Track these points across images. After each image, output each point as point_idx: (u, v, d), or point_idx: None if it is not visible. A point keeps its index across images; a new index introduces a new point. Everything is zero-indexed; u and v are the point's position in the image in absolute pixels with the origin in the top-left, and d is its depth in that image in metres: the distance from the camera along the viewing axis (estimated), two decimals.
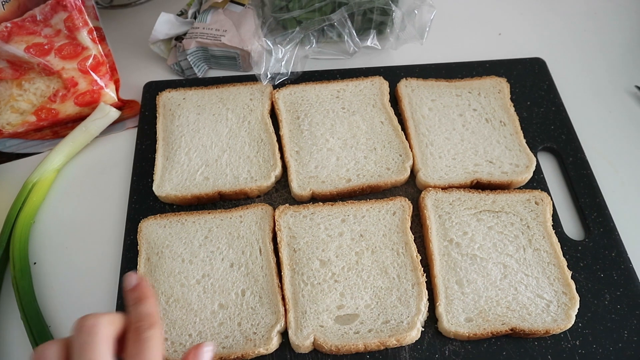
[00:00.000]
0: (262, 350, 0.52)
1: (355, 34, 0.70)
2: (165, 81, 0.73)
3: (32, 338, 0.55)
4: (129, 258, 0.59)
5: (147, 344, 0.40)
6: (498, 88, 0.70)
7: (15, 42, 0.64)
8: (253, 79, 0.72)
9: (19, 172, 0.67)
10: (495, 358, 0.54)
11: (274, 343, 0.52)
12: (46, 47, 0.65)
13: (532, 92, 0.72)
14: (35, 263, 0.61)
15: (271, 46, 0.68)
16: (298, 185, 0.61)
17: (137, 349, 0.40)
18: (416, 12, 0.66)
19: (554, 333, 0.54)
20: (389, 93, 0.70)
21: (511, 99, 0.70)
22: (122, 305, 0.56)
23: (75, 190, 0.66)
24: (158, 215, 0.60)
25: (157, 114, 0.68)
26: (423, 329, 0.54)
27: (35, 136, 0.71)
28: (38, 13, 0.65)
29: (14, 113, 0.68)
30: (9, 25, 0.64)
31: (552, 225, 0.60)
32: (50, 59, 0.65)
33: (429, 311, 0.55)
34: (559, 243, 0.59)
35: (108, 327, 0.40)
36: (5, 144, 0.70)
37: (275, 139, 0.65)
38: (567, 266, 0.57)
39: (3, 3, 0.63)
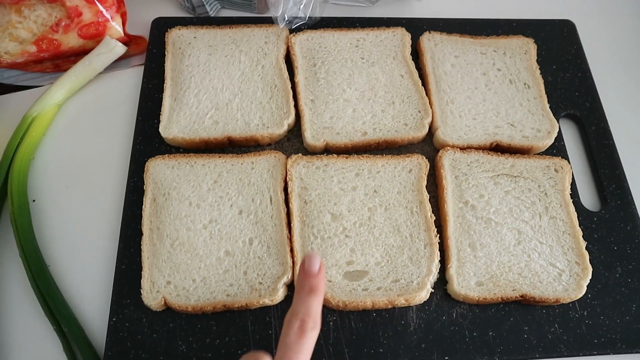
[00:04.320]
0: (267, 301, 0.51)
1: None
2: (175, 18, 0.69)
3: (30, 276, 0.53)
4: (133, 200, 0.57)
5: (306, 344, 0.40)
6: (525, 49, 0.67)
7: None
8: (268, 21, 0.68)
9: (18, 105, 0.64)
10: (503, 323, 0.53)
11: (280, 294, 0.51)
12: None
13: (559, 55, 0.69)
14: (34, 200, 0.58)
15: None
16: (312, 136, 0.59)
17: (295, 345, 0.40)
18: None
19: (563, 302, 0.53)
20: (411, 46, 0.66)
21: (537, 61, 0.67)
22: (124, 248, 0.54)
23: (77, 127, 0.63)
24: (166, 155, 0.58)
25: (166, 52, 0.65)
26: (432, 290, 0.53)
27: (35, 68, 0.67)
28: None
29: (13, 42, 0.64)
30: None
31: (570, 195, 0.58)
32: None
33: (438, 272, 0.54)
34: (575, 213, 0.57)
35: None
36: (3, 75, 0.67)
37: (289, 85, 0.62)
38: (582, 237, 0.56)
39: None
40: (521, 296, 0.53)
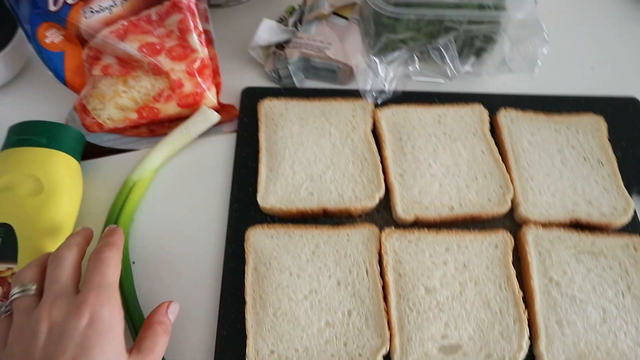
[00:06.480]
0: None
1: (457, 57, 0.71)
2: (263, 88, 0.74)
3: (134, 337, 0.55)
4: (231, 267, 0.59)
5: (104, 262, 0.47)
6: (596, 126, 0.70)
7: (129, 41, 0.65)
8: (351, 93, 0.72)
9: (116, 168, 0.68)
10: None
11: None
12: (158, 47, 0.66)
13: (627, 132, 0.72)
14: (134, 262, 0.61)
15: (378, 63, 0.68)
16: (402, 210, 0.62)
17: (94, 265, 0.47)
18: (531, 47, 0.66)
19: None
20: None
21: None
22: (225, 315, 0.57)
23: (173, 192, 0.67)
24: (265, 225, 0.61)
25: (259, 123, 0.69)
26: None
27: (131, 132, 0.71)
28: (154, 13, 0.66)
29: (117, 109, 0.69)
30: (125, 23, 0.65)
31: None
32: (161, 59, 0.66)
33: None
34: None
35: (73, 253, 0.48)
36: (102, 138, 0.71)
37: (378, 159, 0.65)
38: None
39: (122, 1, 0.64)
40: None
